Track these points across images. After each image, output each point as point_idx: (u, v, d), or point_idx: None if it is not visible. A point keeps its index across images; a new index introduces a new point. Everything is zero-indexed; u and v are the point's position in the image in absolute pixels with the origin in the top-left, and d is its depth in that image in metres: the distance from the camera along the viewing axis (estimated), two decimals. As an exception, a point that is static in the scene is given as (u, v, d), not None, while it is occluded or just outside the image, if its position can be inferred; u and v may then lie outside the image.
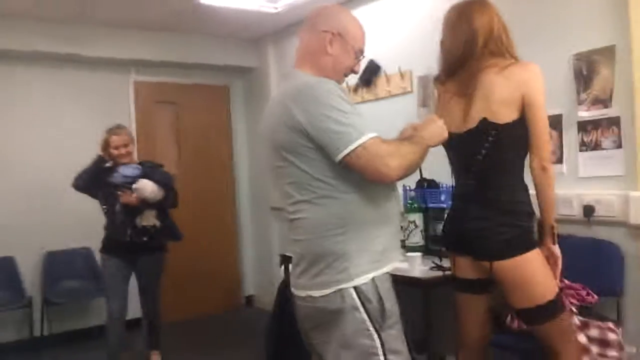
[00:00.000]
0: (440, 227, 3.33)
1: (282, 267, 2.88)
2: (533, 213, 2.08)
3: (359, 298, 1.72)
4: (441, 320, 2.84)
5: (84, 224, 4.91)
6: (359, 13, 4.29)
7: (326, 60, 1.86)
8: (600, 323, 2.47)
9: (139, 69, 5.28)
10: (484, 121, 2.06)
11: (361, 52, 1.92)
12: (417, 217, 3.37)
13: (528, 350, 2.51)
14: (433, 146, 1.86)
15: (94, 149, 5.00)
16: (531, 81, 2.02)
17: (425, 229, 3.42)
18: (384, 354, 1.72)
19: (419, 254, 2.95)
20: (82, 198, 4.88)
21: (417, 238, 3.37)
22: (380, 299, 1.73)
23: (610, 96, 2.73)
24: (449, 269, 2.80)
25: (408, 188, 3.53)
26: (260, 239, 5.73)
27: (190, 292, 5.49)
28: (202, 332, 5.08)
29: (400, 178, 1.72)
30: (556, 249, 2.13)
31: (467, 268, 2.20)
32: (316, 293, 1.76)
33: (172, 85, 5.51)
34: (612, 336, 2.43)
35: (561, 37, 2.93)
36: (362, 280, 1.72)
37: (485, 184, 2.10)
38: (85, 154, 4.95)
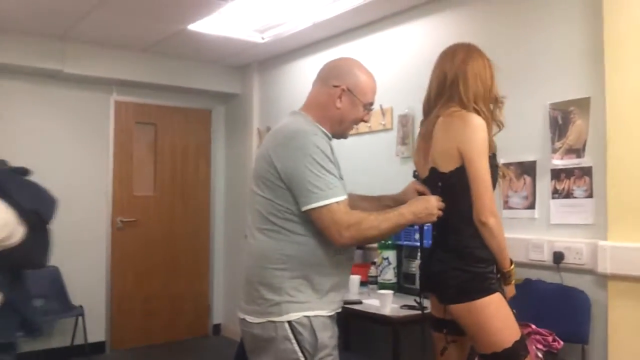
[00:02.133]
0: (413, 265, 3.37)
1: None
2: (489, 259, 2.04)
3: (291, 330, 1.80)
4: (410, 358, 2.84)
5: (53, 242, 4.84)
6: (341, 51, 4.39)
7: (334, 113, 1.96)
8: (565, 370, 2.49)
9: (120, 88, 5.27)
10: (432, 170, 2.12)
11: (370, 104, 2.02)
12: (391, 255, 3.39)
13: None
14: (417, 224, 2.01)
15: (70, 164, 4.99)
16: (466, 135, 2.01)
17: (398, 267, 3.43)
18: None
19: (390, 291, 2.95)
20: (53, 215, 4.85)
21: (389, 275, 3.38)
22: (313, 331, 1.81)
23: (584, 146, 2.81)
24: (421, 309, 2.82)
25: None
26: (233, 266, 5.68)
27: (158, 317, 5.40)
28: (167, 358, 4.98)
29: (351, 247, 1.88)
30: (507, 290, 2.10)
31: (435, 307, 2.22)
32: (251, 319, 1.88)
33: (153, 106, 5.50)
34: (576, 384, 2.45)
35: (539, 87, 3.01)
36: (295, 316, 1.81)
37: (444, 228, 2.12)
38: (61, 169, 4.93)
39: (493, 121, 2.13)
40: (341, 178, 1.88)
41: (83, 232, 5.02)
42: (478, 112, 2.06)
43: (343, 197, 1.81)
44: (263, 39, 4.59)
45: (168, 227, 5.51)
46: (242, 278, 1.96)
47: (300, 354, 1.80)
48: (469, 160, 2.00)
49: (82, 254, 5.00)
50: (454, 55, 2.15)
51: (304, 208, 1.79)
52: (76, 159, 5.05)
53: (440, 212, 2.01)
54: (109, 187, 5.19)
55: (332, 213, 1.77)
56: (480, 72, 2.11)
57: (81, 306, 4.65)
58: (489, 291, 2.02)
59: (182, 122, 5.67)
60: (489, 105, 2.12)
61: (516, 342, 2.01)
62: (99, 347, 5.00)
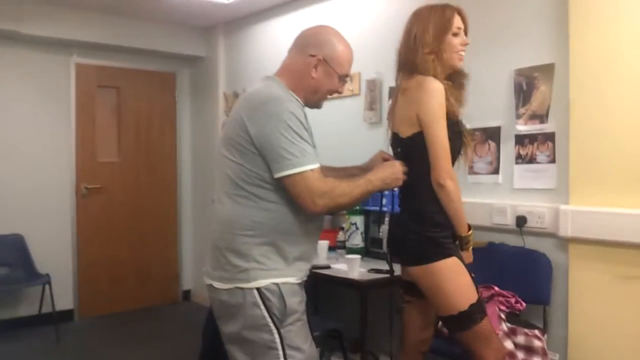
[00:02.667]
0: (380, 229, 3.41)
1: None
2: (445, 223, 2.08)
3: (260, 296, 1.81)
4: (377, 321, 2.90)
5: (15, 209, 4.75)
6: (310, 13, 4.32)
7: (309, 83, 1.94)
8: (527, 330, 2.58)
9: (81, 50, 5.10)
10: (394, 135, 2.19)
11: (346, 76, 2.00)
12: (358, 220, 3.42)
13: (457, 355, 2.60)
14: (384, 189, 2.05)
15: (31, 130, 4.86)
16: (423, 100, 2.04)
17: (366, 231, 3.47)
18: (283, 349, 1.81)
19: (358, 256, 2.99)
20: (12, 181, 4.74)
21: (357, 240, 3.42)
22: (282, 297, 1.82)
23: (547, 112, 2.84)
24: (388, 272, 2.87)
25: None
26: (201, 232, 5.66)
27: (127, 284, 5.38)
28: (136, 325, 4.99)
29: (323, 214, 1.89)
30: (465, 256, 2.14)
31: (402, 270, 2.26)
32: (218, 285, 1.87)
33: (115, 69, 5.35)
34: (537, 343, 2.54)
35: (504, 53, 3.02)
36: (264, 282, 1.82)
37: (405, 193, 2.18)
38: (21, 135, 4.80)
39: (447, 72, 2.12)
40: (314, 146, 1.87)
41: (47, 199, 4.94)
42: (435, 75, 2.06)
43: (317, 165, 1.80)
44: (229, 0, 4.48)
45: (134, 194, 5.44)
46: (209, 243, 1.96)
47: (269, 319, 1.81)
48: (426, 124, 2.03)
49: (47, 222, 4.93)
50: (409, 21, 2.17)
51: (277, 175, 1.78)
52: (37, 124, 4.91)
53: (405, 177, 2.05)
54: (72, 153, 5.08)
55: (305, 180, 1.77)
56: (425, 29, 2.10)
57: (48, 274, 4.58)
58: (444, 255, 2.07)
59: (146, 85, 5.54)
60: (444, 60, 2.10)
61: (472, 305, 2.06)
62: (67, 314, 4.97)
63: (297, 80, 1.94)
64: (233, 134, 1.85)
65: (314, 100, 1.99)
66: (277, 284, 1.83)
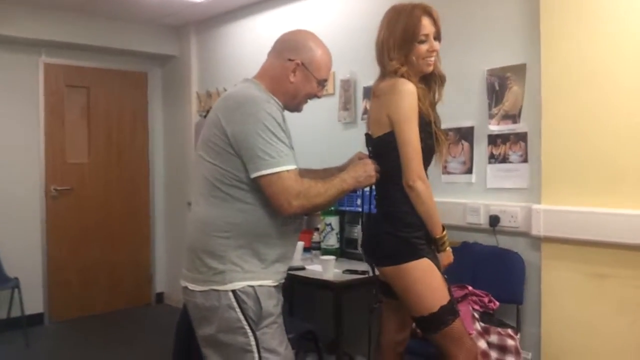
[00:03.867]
0: (355, 230, 3.41)
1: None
2: (418, 224, 2.07)
3: (235, 298, 1.80)
4: (353, 322, 2.89)
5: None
6: (283, 12, 4.29)
7: (287, 87, 1.94)
8: (500, 329, 2.59)
9: (50, 50, 4.99)
10: (367, 136, 2.21)
11: (324, 80, 2.00)
12: (333, 220, 3.41)
13: (433, 356, 2.60)
14: (358, 188, 2.06)
15: (0, 132, 4.76)
16: (394, 101, 2.04)
17: (341, 232, 3.46)
18: (259, 352, 1.81)
19: (332, 257, 2.98)
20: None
21: (332, 241, 3.40)
22: (257, 299, 1.82)
23: (519, 112, 2.87)
24: (363, 273, 2.86)
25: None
26: (175, 233, 5.58)
27: (98, 287, 5.29)
28: (109, 329, 4.91)
29: (298, 215, 1.88)
30: (442, 257, 2.13)
31: (379, 271, 2.25)
32: (193, 287, 1.86)
33: (85, 69, 5.25)
34: (510, 342, 2.55)
35: (476, 53, 3.04)
36: (239, 285, 1.81)
37: (378, 192, 2.18)
38: (-13, 138, 4.69)
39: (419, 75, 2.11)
40: (292, 148, 1.86)
41: (16, 202, 4.83)
42: (406, 77, 2.06)
43: (293, 166, 1.80)
44: (200, -1, 4.43)
45: (105, 195, 5.35)
46: (185, 245, 1.94)
47: (244, 322, 1.80)
48: (396, 125, 2.03)
49: (15, 224, 4.82)
50: (380, 22, 2.16)
51: (254, 175, 1.77)
52: (4, 125, 4.80)
53: (377, 175, 2.05)
54: (40, 155, 4.97)
55: (281, 180, 1.76)
56: (391, 33, 2.09)
57: (16, 278, 4.49)
58: (415, 256, 2.07)
59: (117, 85, 5.45)
60: (412, 65, 2.09)
61: (442, 306, 2.06)
62: (37, 319, 4.87)
63: (275, 84, 1.93)
64: (210, 135, 1.84)
65: (293, 104, 1.99)
66: (252, 287, 1.82)
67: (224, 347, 1.84)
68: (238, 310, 1.80)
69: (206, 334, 1.88)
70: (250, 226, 1.83)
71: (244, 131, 1.77)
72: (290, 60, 1.92)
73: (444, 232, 2.12)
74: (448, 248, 2.14)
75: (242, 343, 1.81)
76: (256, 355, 1.81)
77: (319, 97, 2.04)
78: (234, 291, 1.80)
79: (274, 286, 1.90)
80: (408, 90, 2.02)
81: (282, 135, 1.80)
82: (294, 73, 1.92)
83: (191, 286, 1.88)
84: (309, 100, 2.04)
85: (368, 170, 2.03)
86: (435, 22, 2.10)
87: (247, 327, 1.81)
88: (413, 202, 2.05)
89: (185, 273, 1.92)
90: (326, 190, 1.87)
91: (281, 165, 1.76)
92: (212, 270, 1.82)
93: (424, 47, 2.08)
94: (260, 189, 1.80)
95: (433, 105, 2.17)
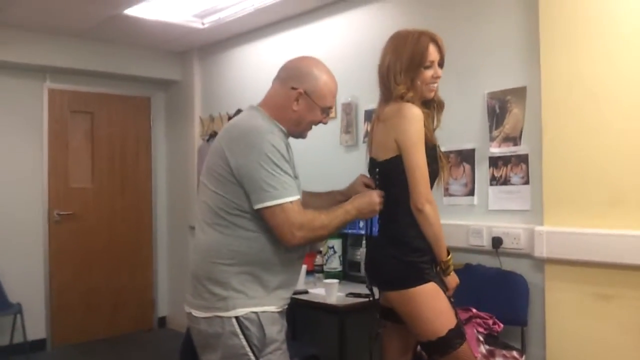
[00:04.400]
0: (358, 253, 3.40)
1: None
2: (425, 249, 2.07)
3: (239, 325, 1.80)
4: (356, 346, 2.88)
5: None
6: (285, 38, 4.34)
7: (290, 115, 1.94)
8: (505, 352, 2.58)
9: (54, 75, 5.04)
10: (371, 160, 2.21)
11: (329, 108, 2.01)
12: (336, 243, 3.41)
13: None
14: (361, 218, 2.07)
15: (4, 157, 4.77)
16: (400, 126, 2.05)
17: (344, 255, 3.46)
18: None
19: (335, 281, 2.97)
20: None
21: (335, 264, 3.40)
22: (261, 326, 1.82)
23: (520, 134, 2.88)
24: (367, 296, 2.85)
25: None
26: (177, 258, 5.58)
27: (101, 312, 5.26)
28: (111, 354, 4.88)
29: (301, 246, 1.89)
30: (448, 280, 2.13)
31: (380, 295, 2.25)
32: (197, 313, 1.87)
33: (89, 94, 5.30)
34: (515, 365, 2.54)
35: (477, 76, 3.07)
36: (242, 312, 1.81)
37: (385, 216, 2.17)
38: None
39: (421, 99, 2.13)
40: (296, 177, 1.88)
41: (18, 227, 4.83)
42: (411, 102, 2.07)
43: (296, 197, 1.81)
44: (203, 24, 4.49)
45: (108, 220, 5.36)
46: (189, 272, 1.96)
47: (248, 349, 1.80)
48: (404, 150, 2.04)
49: (18, 250, 4.81)
50: (384, 47, 2.18)
51: (257, 206, 1.79)
52: (8, 150, 4.83)
53: (381, 206, 2.07)
54: (44, 179, 4.99)
55: (285, 212, 1.78)
56: (397, 58, 2.11)
57: (19, 303, 4.48)
58: (422, 280, 2.06)
59: (120, 110, 5.50)
60: (416, 90, 2.10)
61: (450, 330, 2.05)
62: (39, 344, 4.84)
63: (279, 111, 1.94)
64: (214, 164, 1.86)
65: (297, 131, 1.99)
66: (256, 313, 1.82)
67: None
68: (242, 336, 1.80)
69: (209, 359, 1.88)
70: (253, 253, 1.84)
71: (247, 163, 1.78)
72: (293, 88, 1.93)
73: (449, 256, 2.12)
74: (452, 272, 2.14)
75: None
76: None
77: (324, 123, 2.04)
78: (237, 317, 1.80)
79: (278, 312, 1.90)
80: (416, 115, 2.04)
81: (286, 165, 1.81)
82: (297, 102, 1.92)
83: (195, 312, 1.88)
84: (313, 127, 2.04)
85: (372, 203, 2.03)
86: (440, 50, 2.12)
87: (250, 354, 1.80)
88: (421, 225, 2.05)
89: (189, 299, 1.93)
90: (330, 222, 1.89)
91: (284, 197, 1.78)
92: (215, 296, 1.83)
93: (429, 73, 2.10)
94: (263, 219, 1.81)
95: (433, 129, 2.19)
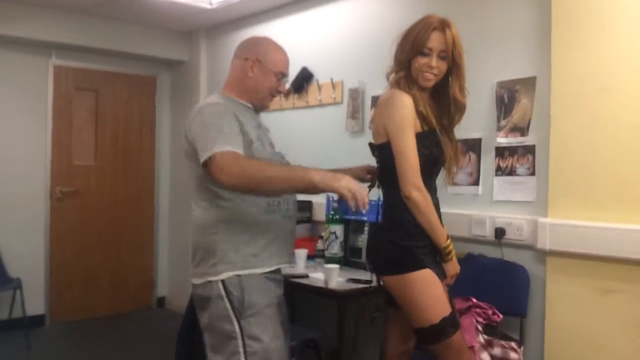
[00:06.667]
0: (359, 239, 3.40)
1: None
2: (421, 234, 2.05)
3: (224, 289, 1.97)
4: (355, 332, 2.88)
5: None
6: (292, 20, 4.31)
7: (248, 83, 2.12)
8: (503, 342, 2.57)
9: (60, 52, 5.02)
10: (370, 144, 2.22)
11: (282, 74, 2.16)
12: (338, 229, 3.40)
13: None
14: (316, 186, 1.82)
15: (6, 132, 4.76)
16: (387, 112, 2.06)
17: (345, 241, 3.45)
18: (242, 338, 1.96)
19: (336, 265, 2.96)
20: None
21: (336, 249, 3.39)
22: (242, 290, 1.97)
23: (528, 125, 2.86)
24: (366, 282, 2.85)
25: (331, 199, 3.55)
26: (178, 239, 5.58)
27: (100, 289, 5.29)
28: (109, 331, 4.90)
29: (235, 187, 1.87)
30: (448, 268, 2.11)
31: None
32: (195, 281, 2.06)
33: (94, 72, 5.28)
34: (513, 355, 2.54)
35: (486, 65, 3.03)
36: (227, 275, 1.97)
37: (385, 201, 2.18)
38: (-4, 138, 4.71)
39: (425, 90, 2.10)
40: (242, 134, 1.94)
41: (20, 203, 4.84)
42: (403, 86, 2.08)
43: (228, 148, 1.85)
44: (211, 4, 4.45)
45: (110, 198, 5.36)
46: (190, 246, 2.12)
47: (230, 311, 1.97)
48: (391, 137, 2.05)
49: (19, 225, 4.83)
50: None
51: (201, 162, 1.88)
52: (12, 126, 4.82)
53: (366, 205, 1.83)
54: (47, 156, 4.99)
55: (218, 157, 1.83)
56: (402, 44, 2.11)
57: (19, 278, 4.50)
58: (417, 266, 2.05)
59: (125, 88, 5.48)
60: (412, 69, 2.08)
61: (444, 318, 2.04)
62: (38, 320, 4.87)
63: (238, 85, 2.13)
64: (184, 145, 2.04)
65: (257, 101, 2.15)
66: (240, 276, 1.97)
67: (215, 334, 2.01)
68: (226, 299, 1.97)
69: (203, 321, 2.07)
70: (235, 219, 1.99)
71: (194, 131, 1.95)
72: (246, 59, 2.12)
73: (449, 241, 2.10)
74: (454, 258, 2.13)
75: (228, 330, 1.97)
76: (240, 342, 1.96)
77: (281, 92, 2.20)
78: (223, 281, 1.97)
79: (268, 274, 2.02)
80: (402, 102, 2.03)
81: (225, 125, 1.91)
82: (252, 69, 2.10)
83: (194, 280, 2.07)
84: (274, 98, 2.19)
85: (353, 189, 1.80)
86: (446, 41, 2.05)
87: (232, 316, 1.96)
88: (413, 213, 2.04)
89: (191, 269, 2.10)
90: (272, 169, 1.87)
91: (215, 149, 1.84)
92: (207, 263, 2.01)
93: (423, 60, 2.06)
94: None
95: (447, 128, 2.17)
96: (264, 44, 2.17)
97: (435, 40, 2.05)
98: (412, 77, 2.09)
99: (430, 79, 2.08)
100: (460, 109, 2.17)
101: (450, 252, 2.10)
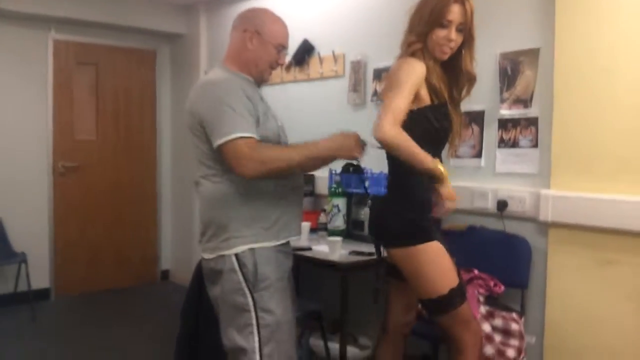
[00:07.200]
0: (362, 212, 3.41)
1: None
2: (427, 206, 2.04)
3: (237, 262, 1.99)
4: (358, 304, 2.91)
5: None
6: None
7: (247, 56, 2.10)
8: (504, 313, 2.60)
9: (59, 26, 4.98)
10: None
11: (281, 46, 2.15)
12: (341, 202, 3.41)
13: (437, 337, 2.62)
14: (333, 158, 2.02)
15: (7, 107, 4.75)
16: (392, 69, 2.06)
17: (348, 214, 3.46)
18: (255, 311, 1.99)
19: (339, 238, 2.98)
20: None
21: (339, 222, 3.40)
22: (255, 263, 1.99)
23: (531, 97, 2.84)
24: (369, 254, 2.87)
25: (333, 172, 3.55)
26: (181, 212, 5.61)
27: (105, 263, 5.33)
28: (114, 305, 4.96)
29: (253, 178, 1.93)
30: (442, 191, 2.01)
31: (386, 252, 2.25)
32: (207, 255, 2.08)
33: (94, 46, 5.24)
34: (514, 326, 2.56)
35: (490, 36, 2.99)
36: (240, 249, 1.99)
37: (390, 171, 2.17)
38: (-3, 113, 4.70)
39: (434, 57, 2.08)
40: (256, 117, 1.96)
41: (23, 178, 4.86)
42: (418, 54, 2.05)
43: (247, 134, 1.89)
44: (211, -23, 4.40)
45: (112, 173, 5.37)
46: (199, 221, 2.14)
47: (244, 284, 1.99)
48: (385, 89, 2.04)
49: (23, 200, 4.85)
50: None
51: (215, 144, 1.92)
52: (12, 101, 4.81)
53: (362, 151, 1.99)
54: (49, 131, 4.98)
55: (237, 146, 1.88)
56: (419, 14, 2.09)
57: (23, 252, 4.54)
58: (425, 238, 2.06)
59: (125, 62, 5.45)
60: (429, 49, 2.07)
61: (452, 289, 2.06)
62: (43, 293, 4.92)
63: (237, 58, 2.11)
64: (189, 122, 2.05)
65: (257, 74, 2.13)
66: (253, 250, 1.99)
67: (228, 306, 2.03)
68: (239, 273, 1.99)
69: (214, 294, 2.10)
70: (244, 193, 2.00)
71: (206, 111, 1.94)
72: (245, 31, 2.10)
73: (435, 164, 1.99)
74: (449, 182, 2.02)
75: (241, 303, 1.99)
76: (253, 314, 1.99)
77: (281, 64, 2.18)
78: (236, 255, 1.99)
79: (276, 248, 2.04)
80: (413, 67, 2.00)
81: (240, 106, 1.92)
82: (251, 41, 2.09)
83: (205, 255, 2.09)
84: (274, 70, 2.18)
85: (347, 144, 1.97)
86: (465, 13, 2.04)
87: (245, 289, 1.99)
88: (392, 151, 1.96)
89: (202, 244, 2.12)
90: (286, 154, 1.97)
91: (233, 133, 1.88)
92: (219, 238, 2.02)
93: (442, 33, 2.04)
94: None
95: (456, 100, 2.16)
96: (263, 15, 2.15)
97: (455, 13, 2.03)
98: (428, 49, 2.07)
99: (446, 52, 2.07)
100: (471, 80, 2.17)
101: (441, 173, 2.00)
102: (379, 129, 1.90)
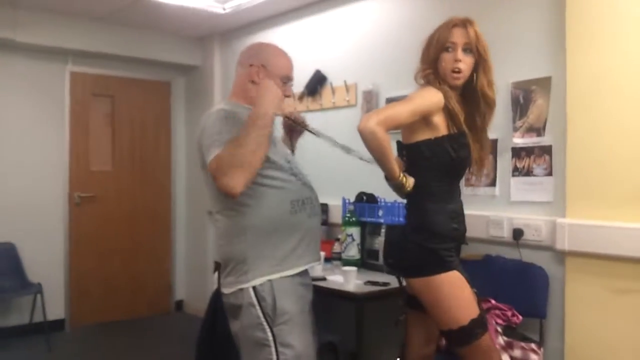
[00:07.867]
0: (376, 241, 3.40)
1: (216, 273, 2.85)
2: (447, 235, 2.06)
3: (256, 296, 1.97)
4: (373, 334, 2.88)
5: (7, 217, 4.70)
6: (306, 24, 4.32)
7: (253, 89, 2.09)
8: (523, 344, 2.57)
9: (76, 59, 5.08)
10: (398, 143, 2.19)
11: (287, 78, 2.17)
12: (355, 231, 3.40)
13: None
14: (266, 113, 1.91)
15: (25, 138, 4.83)
16: (411, 94, 2.07)
17: (362, 243, 3.45)
18: (275, 346, 1.96)
19: (354, 268, 2.97)
20: (4, 188, 4.70)
21: (353, 251, 3.39)
22: (274, 298, 1.97)
23: (544, 125, 2.85)
24: (384, 284, 2.86)
25: (347, 201, 3.55)
26: (195, 242, 5.62)
27: (119, 294, 5.33)
28: (128, 336, 4.95)
29: (245, 181, 1.85)
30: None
31: (406, 283, 2.24)
32: (226, 290, 2.06)
33: (110, 78, 5.33)
34: (533, 357, 2.53)
35: (502, 66, 2.98)
36: (259, 281, 1.97)
37: (409, 204, 2.17)
38: (14, 143, 4.76)
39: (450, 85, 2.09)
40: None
41: (40, 208, 4.90)
42: (433, 83, 2.08)
43: (216, 152, 1.86)
44: (224, 9, 4.47)
45: (127, 203, 5.41)
46: (217, 258, 2.15)
47: (262, 319, 1.97)
48: (397, 102, 2.05)
49: (39, 230, 4.89)
50: None
51: (207, 168, 1.89)
52: (30, 132, 4.89)
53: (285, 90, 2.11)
54: (65, 162, 5.05)
55: (211, 171, 1.86)
56: (428, 44, 2.13)
57: (39, 283, 4.55)
58: (444, 268, 2.05)
59: (141, 94, 5.53)
60: (440, 69, 2.09)
61: (473, 320, 2.04)
62: (58, 324, 4.93)
63: (244, 92, 2.12)
64: (198, 155, 2.01)
65: None
66: (271, 281, 1.98)
67: (248, 342, 2.02)
68: (257, 307, 1.97)
69: (235, 329, 2.07)
70: (259, 224, 1.99)
71: (202, 139, 1.95)
72: (251, 65, 2.13)
73: (402, 176, 2.03)
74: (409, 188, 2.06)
75: (261, 338, 1.97)
76: (273, 349, 1.96)
77: (287, 96, 2.17)
78: (254, 288, 1.97)
79: (297, 278, 2.03)
80: (429, 91, 2.04)
81: (225, 129, 1.89)
82: (258, 75, 2.10)
83: (224, 290, 2.07)
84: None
85: (272, 96, 1.95)
86: (468, 35, 2.06)
87: (265, 323, 1.97)
88: (367, 144, 1.94)
89: (221, 280, 2.11)
90: (240, 141, 1.84)
91: (211, 154, 1.86)
92: (238, 272, 2.00)
93: (448, 56, 2.06)
94: (248, 187, 1.90)
95: (479, 127, 2.15)
96: (268, 49, 2.19)
97: (456, 35, 2.06)
98: (440, 75, 2.09)
99: (458, 77, 2.07)
100: (490, 104, 2.16)
101: (403, 185, 2.04)
102: (364, 121, 1.91)
